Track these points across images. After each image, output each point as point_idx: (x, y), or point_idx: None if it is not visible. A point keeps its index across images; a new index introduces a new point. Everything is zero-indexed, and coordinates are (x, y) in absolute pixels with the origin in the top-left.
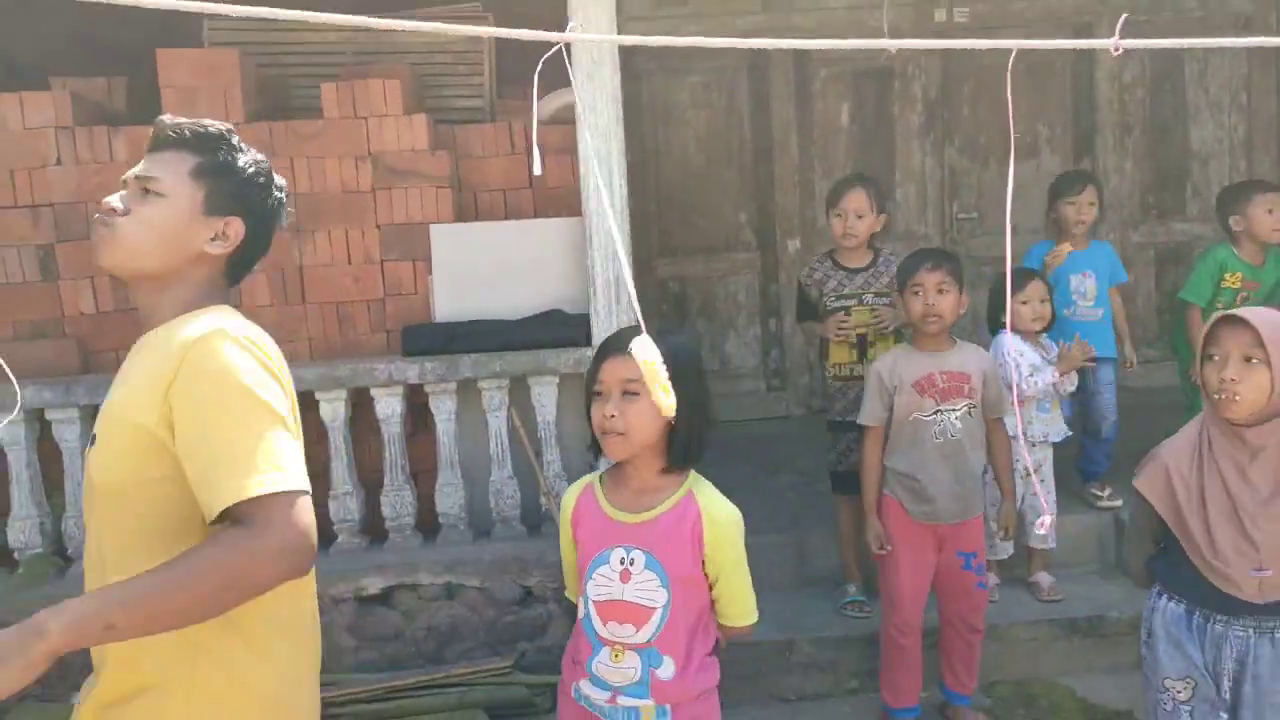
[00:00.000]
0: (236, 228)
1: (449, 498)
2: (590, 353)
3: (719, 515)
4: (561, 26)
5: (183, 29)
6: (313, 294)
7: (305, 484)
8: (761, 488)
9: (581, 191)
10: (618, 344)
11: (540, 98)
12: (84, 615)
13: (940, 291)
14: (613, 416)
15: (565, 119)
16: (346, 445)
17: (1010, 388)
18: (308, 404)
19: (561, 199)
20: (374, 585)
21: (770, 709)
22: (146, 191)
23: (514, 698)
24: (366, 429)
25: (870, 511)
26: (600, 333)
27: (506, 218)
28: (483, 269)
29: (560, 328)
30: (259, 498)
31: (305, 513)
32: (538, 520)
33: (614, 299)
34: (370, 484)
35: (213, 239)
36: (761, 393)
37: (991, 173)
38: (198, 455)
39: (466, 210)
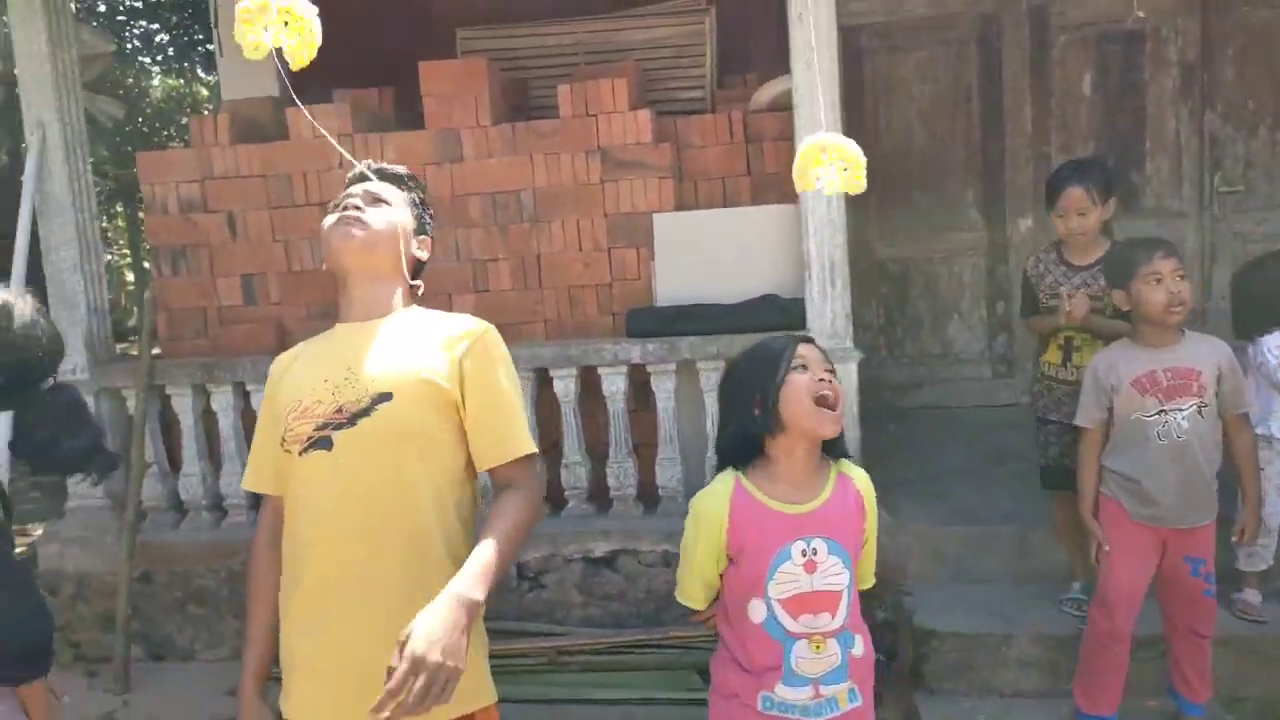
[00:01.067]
0: (428, 244)
1: (668, 471)
2: None
3: (869, 487)
4: (784, 16)
5: (439, 38)
6: (548, 279)
7: None
8: (982, 477)
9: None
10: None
11: (760, 86)
12: (486, 574)
13: (1180, 277)
14: (827, 383)
15: (784, 105)
16: (576, 419)
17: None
18: (543, 379)
19: (778, 185)
20: (600, 548)
21: (986, 701)
22: (378, 201)
23: None
24: (593, 404)
25: (1086, 513)
26: (815, 317)
27: (725, 204)
28: (701, 255)
29: (776, 312)
30: (530, 455)
31: None
32: None
33: (829, 283)
34: (596, 455)
35: (418, 248)
36: (986, 379)
37: (1261, 141)
38: (492, 412)
39: (687, 198)
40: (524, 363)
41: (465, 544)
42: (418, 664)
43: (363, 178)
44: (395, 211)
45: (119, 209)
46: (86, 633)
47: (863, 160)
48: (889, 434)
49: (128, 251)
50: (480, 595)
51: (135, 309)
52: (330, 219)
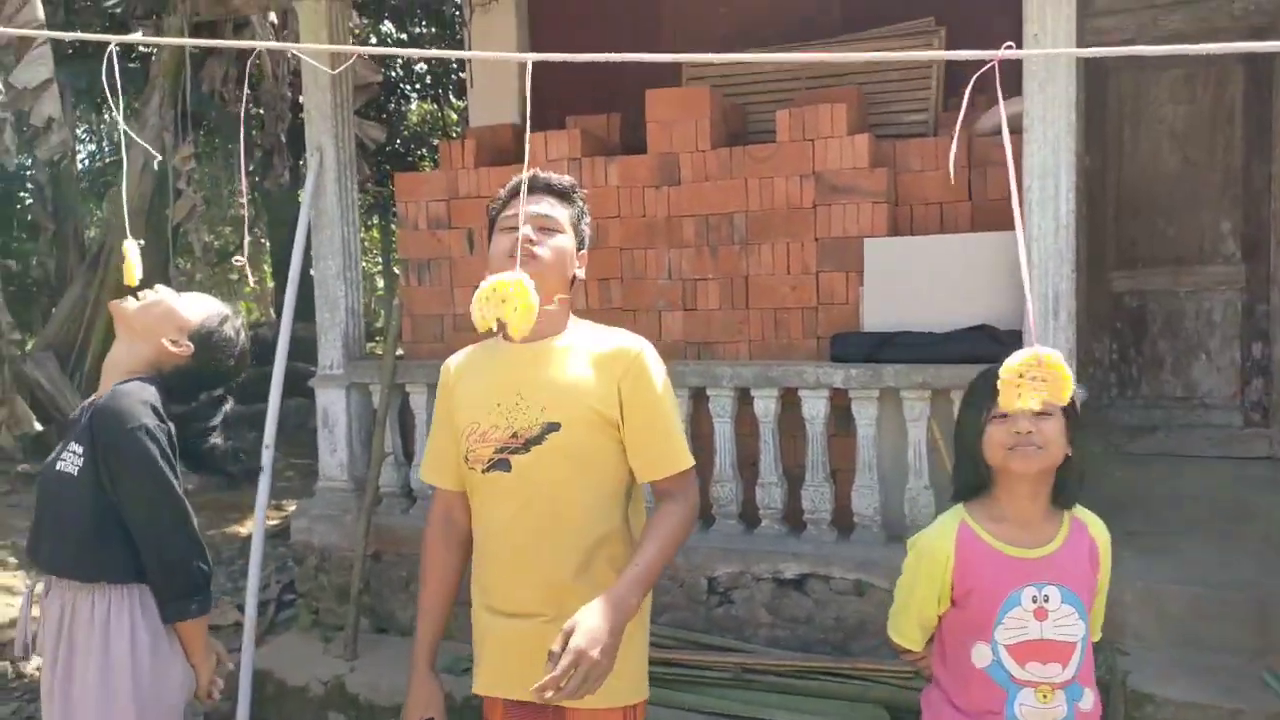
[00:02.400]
0: (584, 260)
1: (864, 499)
2: None
3: (1104, 536)
4: (1019, 35)
5: (667, 66)
6: (755, 300)
7: None
8: (1221, 536)
9: (1023, 205)
10: None
11: (988, 108)
12: (643, 581)
13: None
14: (1030, 432)
15: (1015, 128)
16: (774, 439)
17: None
18: (744, 399)
19: (1002, 212)
20: (791, 570)
21: None
22: (549, 230)
23: (915, 703)
24: (792, 426)
25: None
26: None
27: (943, 231)
28: (912, 281)
29: (989, 343)
30: (688, 469)
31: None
32: None
33: (1051, 314)
34: (791, 477)
35: (578, 267)
36: (1235, 428)
37: None
38: (649, 430)
39: (902, 223)
40: (726, 381)
41: (626, 546)
42: (579, 657)
43: (530, 189)
44: (564, 239)
45: (374, 221)
46: (325, 601)
47: (1070, 381)
48: (1115, 480)
49: (380, 260)
50: (637, 600)
51: (382, 312)
52: (502, 246)
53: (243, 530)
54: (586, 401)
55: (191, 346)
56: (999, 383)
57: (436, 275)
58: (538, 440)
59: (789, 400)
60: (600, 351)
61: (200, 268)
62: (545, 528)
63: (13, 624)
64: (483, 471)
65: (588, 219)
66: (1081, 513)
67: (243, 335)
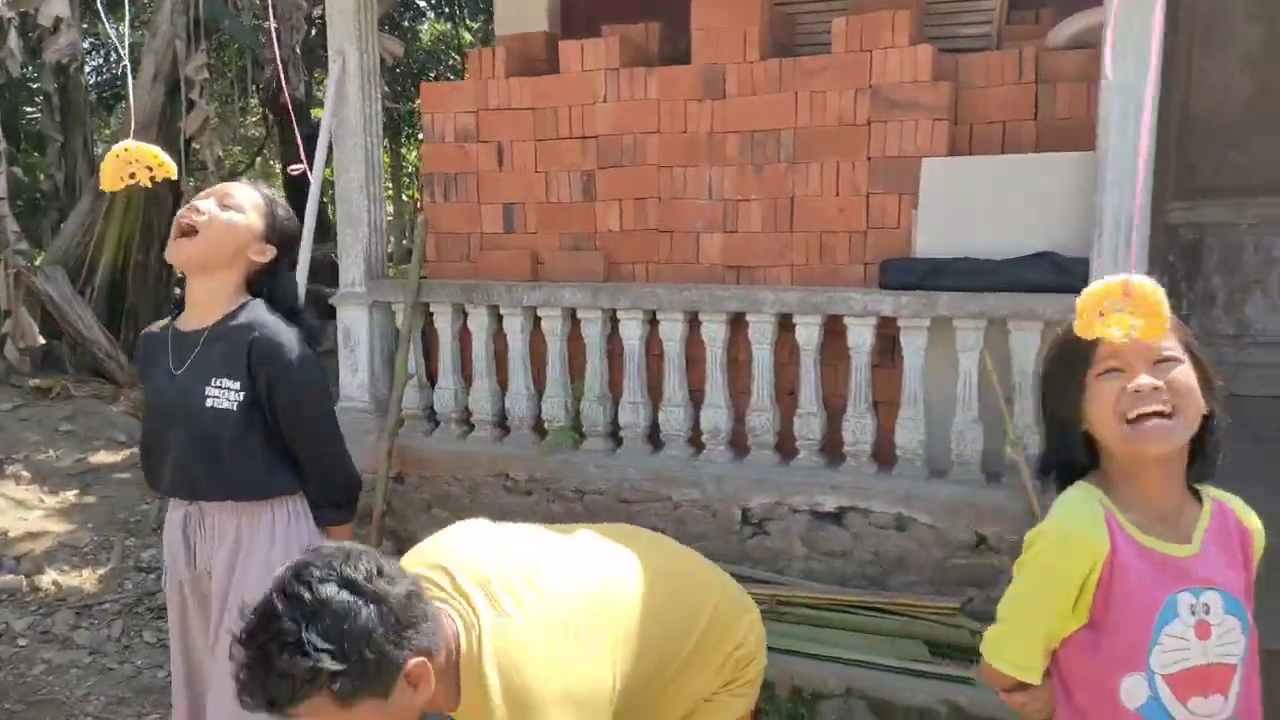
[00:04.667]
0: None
1: (909, 432)
2: None
3: (1255, 522)
4: None
5: None
6: (800, 223)
7: None
8: (1275, 480)
9: (1099, 125)
10: None
11: (1058, 21)
12: None
13: None
14: (1157, 388)
15: (1086, 42)
16: (815, 368)
17: None
18: (785, 325)
19: (1071, 132)
20: (828, 503)
21: None
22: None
23: (958, 640)
24: (833, 355)
25: None
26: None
27: (1004, 151)
28: (972, 205)
29: (1053, 271)
30: None
31: None
32: (998, 469)
33: (1122, 244)
34: (830, 408)
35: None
36: None
37: None
38: None
39: (960, 143)
40: (768, 306)
41: None
42: None
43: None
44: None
45: (385, 144)
46: None
47: (1166, 314)
48: None
49: (389, 184)
50: None
51: (391, 238)
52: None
53: None
54: None
55: (273, 248)
56: (1077, 308)
57: (463, 191)
58: None
59: (832, 328)
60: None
61: (213, 184)
62: None
63: (31, 536)
64: None
65: (387, 660)
66: (1219, 494)
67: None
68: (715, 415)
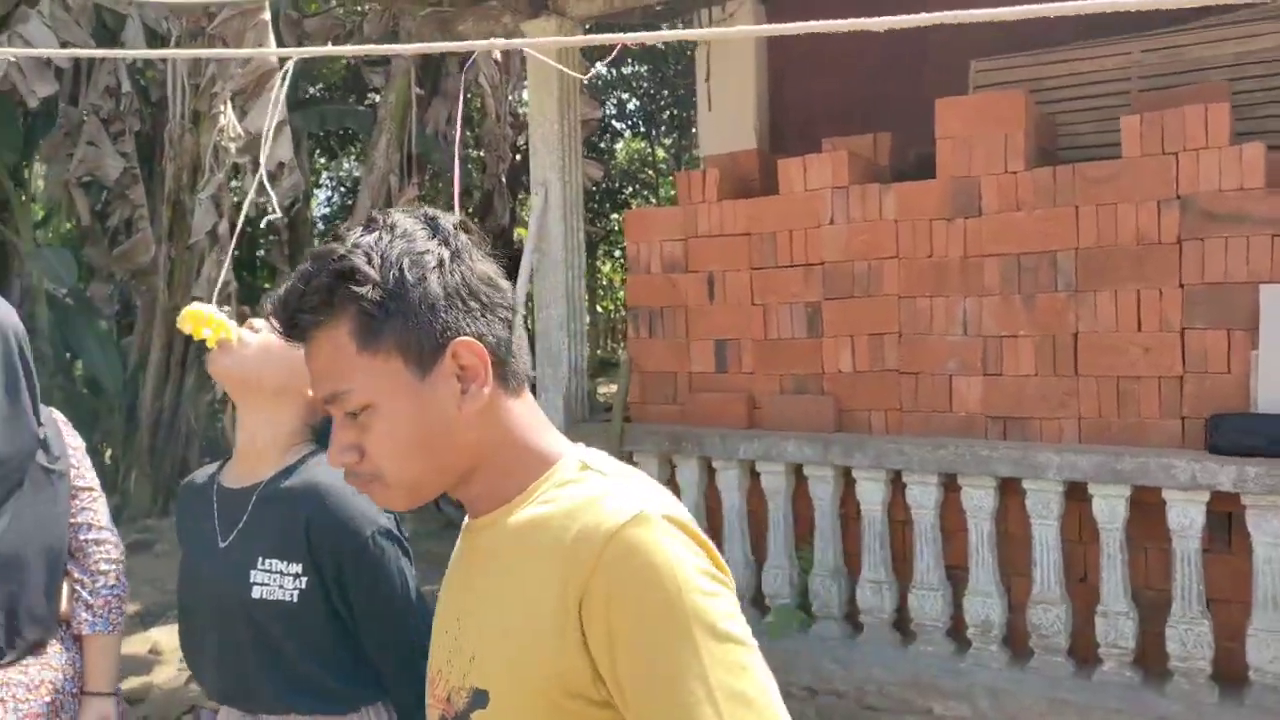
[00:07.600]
0: (469, 354)
1: (1266, 647)
2: None
3: None
4: None
5: (947, 79)
6: (1087, 365)
7: None
8: None
9: None
10: None
11: None
12: None
13: None
14: None
15: None
16: (1123, 554)
17: None
18: (1077, 495)
19: None
20: None
21: None
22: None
23: None
24: (1140, 535)
25: None
26: None
27: None
28: None
29: None
30: None
31: None
32: None
33: None
34: (1141, 603)
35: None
36: None
37: None
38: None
39: None
40: (1052, 472)
41: None
42: None
43: (286, 331)
44: (383, 411)
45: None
46: None
47: None
48: None
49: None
50: None
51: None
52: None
53: None
54: (526, 675)
55: None
56: None
57: (671, 326)
58: (464, 717)
59: (1139, 498)
60: (561, 550)
61: None
62: None
63: None
64: None
65: (429, 302)
66: None
67: None
68: (984, 605)
